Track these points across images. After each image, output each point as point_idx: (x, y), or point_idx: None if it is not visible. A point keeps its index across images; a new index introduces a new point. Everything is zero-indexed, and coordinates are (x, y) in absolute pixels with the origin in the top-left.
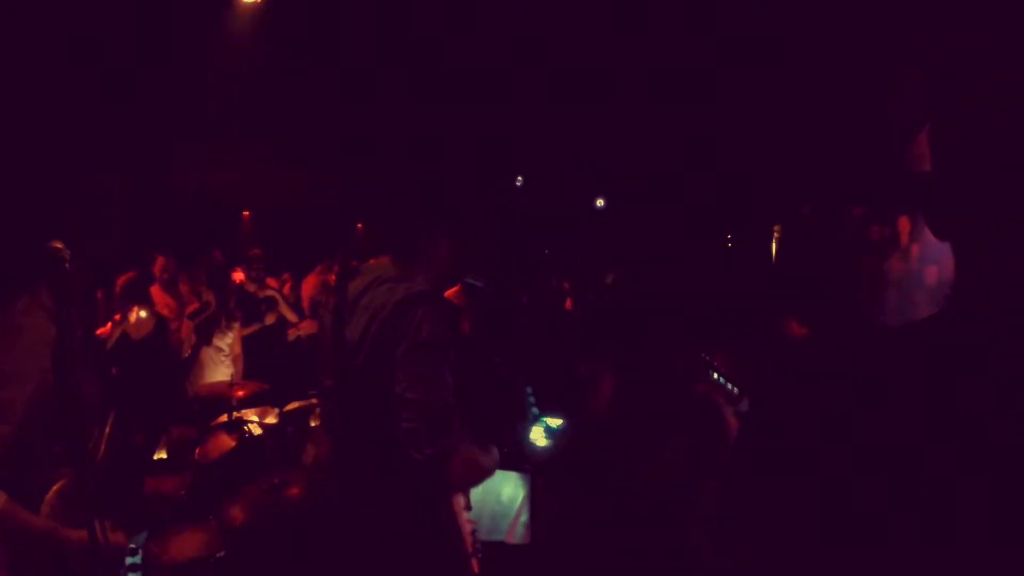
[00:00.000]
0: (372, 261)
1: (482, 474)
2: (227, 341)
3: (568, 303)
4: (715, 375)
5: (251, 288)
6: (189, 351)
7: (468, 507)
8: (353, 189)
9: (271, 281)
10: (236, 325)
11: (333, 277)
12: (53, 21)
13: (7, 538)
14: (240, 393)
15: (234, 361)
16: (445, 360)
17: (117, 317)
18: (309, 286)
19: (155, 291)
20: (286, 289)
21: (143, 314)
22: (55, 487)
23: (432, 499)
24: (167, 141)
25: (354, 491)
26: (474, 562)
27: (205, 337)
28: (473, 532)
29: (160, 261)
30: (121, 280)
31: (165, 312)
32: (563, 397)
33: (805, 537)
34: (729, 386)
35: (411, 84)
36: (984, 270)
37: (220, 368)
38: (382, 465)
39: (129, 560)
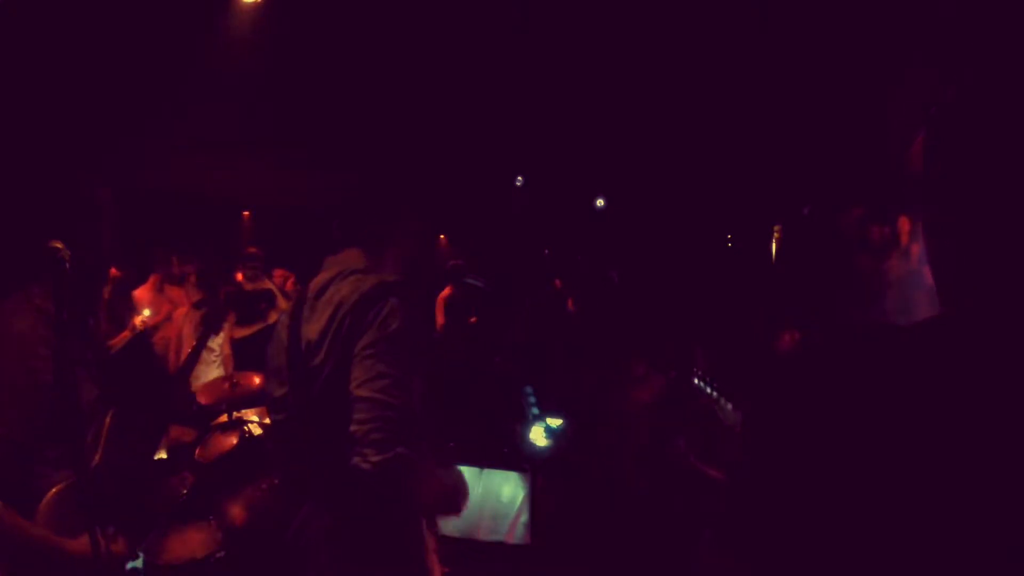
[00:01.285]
0: (336, 255)
1: (447, 498)
2: (218, 342)
3: (570, 303)
4: (709, 390)
5: (248, 287)
6: (186, 355)
7: (435, 548)
8: (353, 189)
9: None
10: (226, 325)
11: None
12: (52, 21)
13: (2, 545)
14: (237, 386)
15: (224, 361)
16: (412, 361)
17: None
18: None
19: (140, 293)
20: (288, 285)
21: (147, 312)
22: (50, 493)
23: (395, 526)
24: (166, 141)
25: (309, 517)
26: None
27: (202, 340)
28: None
29: (175, 260)
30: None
31: (151, 313)
32: (608, 396)
33: (806, 540)
34: (722, 401)
35: (411, 84)
36: (983, 268)
37: (211, 368)
38: (338, 482)
39: (129, 564)
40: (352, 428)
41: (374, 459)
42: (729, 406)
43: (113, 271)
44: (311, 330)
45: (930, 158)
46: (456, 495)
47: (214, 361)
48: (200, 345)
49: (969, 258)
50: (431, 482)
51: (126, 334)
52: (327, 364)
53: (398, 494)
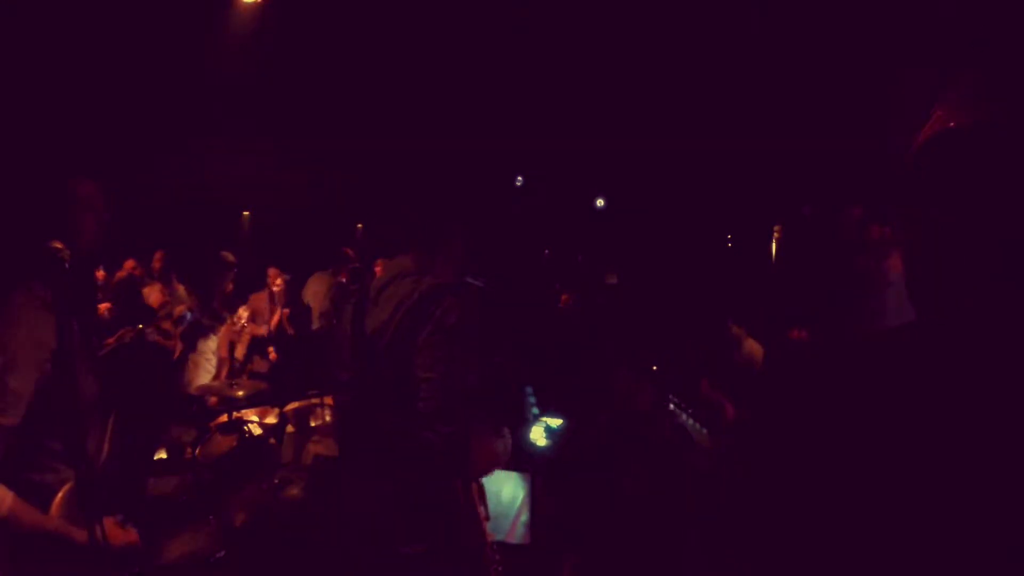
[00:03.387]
0: (382, 261)
1: (496, 460)
2: (211, 345)
3: (563, 301)
4: (683, 416)
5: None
6: (177, 355)
7: (487, 516)
8: (354, 189)
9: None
10: (222, 329)
11: (344, 278)
12: (53, 21)
13: (16, 538)
14: (240, 393)
15: (220, 363)
16: (470, 348)
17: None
18: (317, 287)
19: (148, 291)
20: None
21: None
22: (64, 488)
23: (449, 493)
24: (167, 141)
25: (366, 486)
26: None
27: (190, 344)
28: (492, 544)
29: (158, 255)
30: (115, 278)
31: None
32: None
33: (804, 542)
34: (697, 426)
35: (410, 84)
36: (982, 270)
37: (205, 371)
38: (397, 454)
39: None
40: (419, 406)
41: (445, 431)
42: (704, 431)
43: (122, 272)
44: (375, 320)
45: (929, 163)
46: (503, 457)
47: (205, 365)
48: (187, 350)
49: (969, 259)
50: (486, 448)
51: (111, 341)
52: (393, 351)
53: (464, 460)
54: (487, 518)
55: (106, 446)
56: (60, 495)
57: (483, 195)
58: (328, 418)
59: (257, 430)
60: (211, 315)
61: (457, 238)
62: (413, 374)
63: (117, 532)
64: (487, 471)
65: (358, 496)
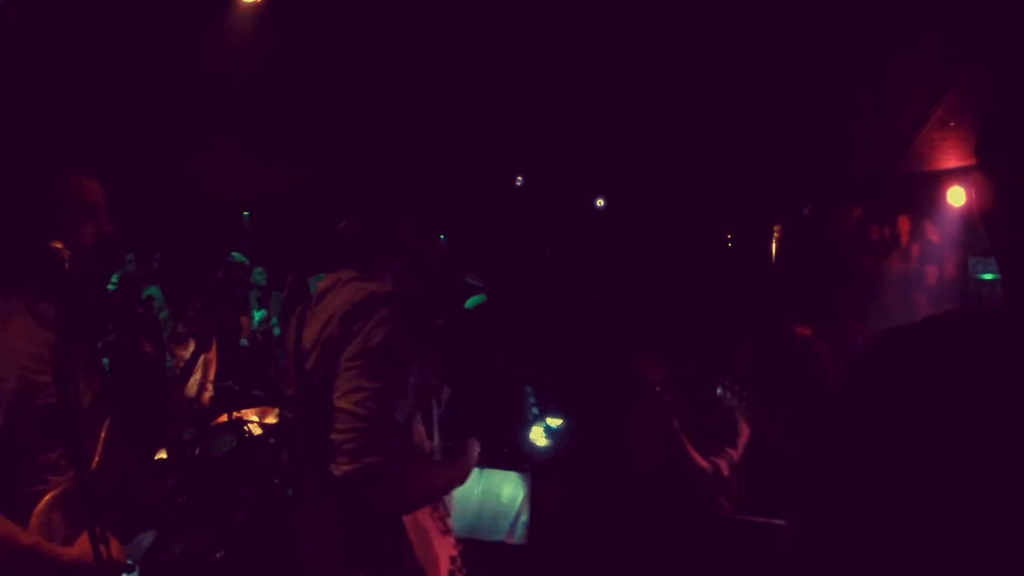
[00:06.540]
0: (347, 260)
1: (428, 495)
2: (191, 349)
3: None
4: (729, 394)
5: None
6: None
7: (449, 529)
8: (360, 195)
9: None
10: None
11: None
12: (54, 20)
13: None
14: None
15: (206, 365)
16: (399, 372)
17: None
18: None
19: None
20: None
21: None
22: (44, 499)
23: (378, 525)
24: (167, 140)
25: (309, 517)
26: None
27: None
28: (455, 558)
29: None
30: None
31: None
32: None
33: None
34: (739, 401)
35: (410, 83)
36: None
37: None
38: (321, 485)
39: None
40: (332, 436)
41: (344, 468)
42: (755, 412)
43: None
44: (307, 336)
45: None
46: (443, 488)
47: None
48: (199, 350)
49: None
50: (417, 481)
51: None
52: (318, 371)
53: (366, 501)
54: (448, 531)
55: (98, 454)
56: (40, 506)
57: (446, 197)
58: None
59: (257, 430)
60: (187, 322)
61: (406, 242)
62: (331, 400)
63: (106, 547)
64: (420, 505)
65: (302, 528)
